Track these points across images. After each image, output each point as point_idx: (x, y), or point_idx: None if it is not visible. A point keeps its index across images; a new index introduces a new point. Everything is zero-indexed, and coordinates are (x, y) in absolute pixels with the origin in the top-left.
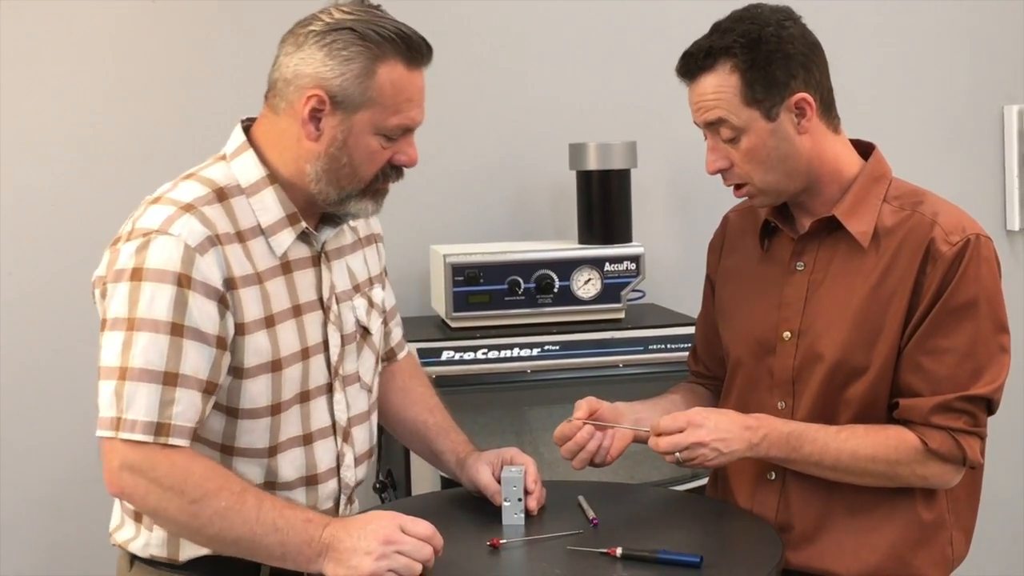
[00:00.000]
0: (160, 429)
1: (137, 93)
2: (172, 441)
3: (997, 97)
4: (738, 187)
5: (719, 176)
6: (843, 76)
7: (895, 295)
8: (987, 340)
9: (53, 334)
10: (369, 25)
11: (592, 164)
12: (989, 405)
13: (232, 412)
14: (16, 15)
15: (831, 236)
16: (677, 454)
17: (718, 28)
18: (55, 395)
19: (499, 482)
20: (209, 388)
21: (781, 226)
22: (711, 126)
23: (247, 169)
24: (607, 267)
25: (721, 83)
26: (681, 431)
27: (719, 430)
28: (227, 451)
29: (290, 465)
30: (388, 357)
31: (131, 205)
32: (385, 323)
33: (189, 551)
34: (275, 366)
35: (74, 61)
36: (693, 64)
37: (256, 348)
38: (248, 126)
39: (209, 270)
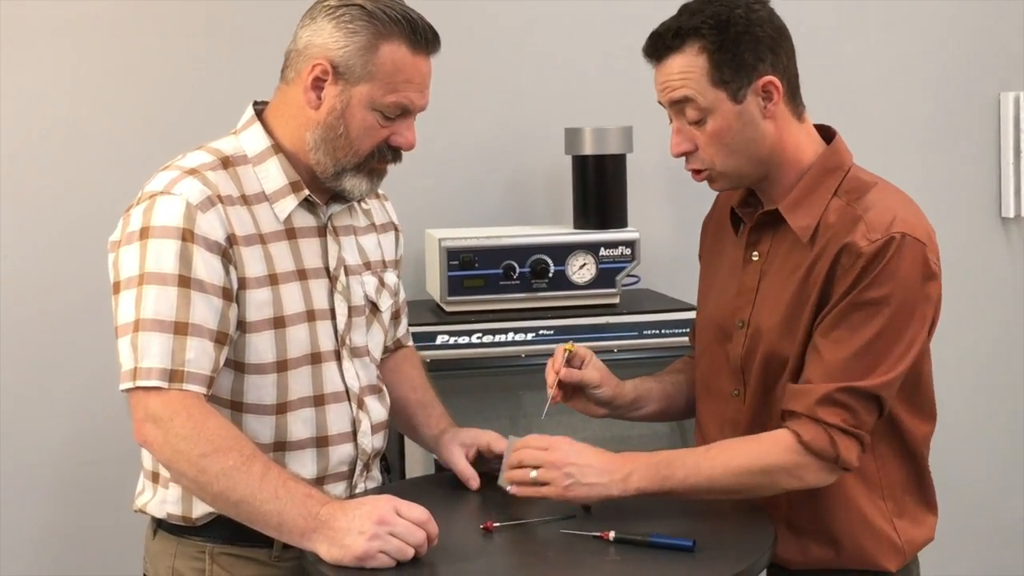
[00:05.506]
0: (174, 376)
1: (137, 80)
2: (187, 387)
3: (993, 84)
4: (697, 172)
5: None
6: (840, 63)
7: (814, 286)
8: (891, 339)
9: (50, 322)
10: (378, 5)
11: (588, 149)
12: (879, 404)
13: (239, 367)
14: (17, 4)
15: (782, 228)
16: (532, 473)
17: (687, 9)
18: (52, 387)
19: (484, 456)
20: (220, 338)
21: (740, 214)
22: (676, 105)
23: (253, 139)
24: (602, 252)
25: (689, 64)
26: (544, 449)
27: (578, 457)
28: (237, 407)
29: (300, 425)
30: (395, 347)
31: (127, 190)
32: (397, 314)
33: (201, 508)
34: (278, 323)
35: (73, 48)
36: (661, 45)
37: (258, 303)
38: (261, 109)
39: (210, 226)
